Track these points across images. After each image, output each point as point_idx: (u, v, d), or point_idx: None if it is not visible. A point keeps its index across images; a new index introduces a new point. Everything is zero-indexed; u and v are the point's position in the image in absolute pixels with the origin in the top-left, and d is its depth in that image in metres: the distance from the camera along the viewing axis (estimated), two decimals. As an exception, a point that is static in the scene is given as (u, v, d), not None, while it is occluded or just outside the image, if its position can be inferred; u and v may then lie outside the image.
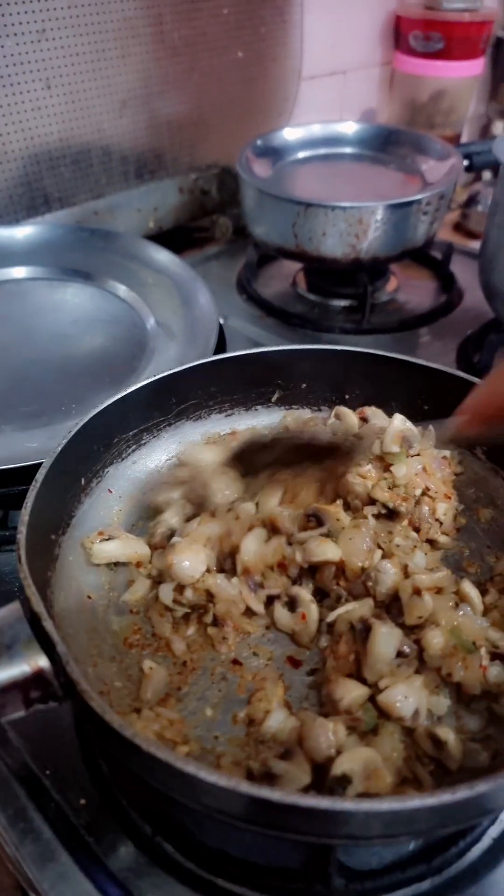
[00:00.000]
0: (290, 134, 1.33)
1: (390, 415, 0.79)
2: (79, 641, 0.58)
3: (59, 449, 0.62)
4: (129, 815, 0.54)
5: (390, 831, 0.39)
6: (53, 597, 0.59)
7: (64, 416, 0.85)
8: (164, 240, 1.43)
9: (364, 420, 0.78)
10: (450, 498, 0.68)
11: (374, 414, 0.78)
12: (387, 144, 1.32)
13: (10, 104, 1.16)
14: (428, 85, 1.85)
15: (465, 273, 1.32)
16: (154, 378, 0.73)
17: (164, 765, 0.38)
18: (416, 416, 0.78)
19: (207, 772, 0.37)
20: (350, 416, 0.77)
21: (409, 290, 1.33)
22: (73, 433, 0.64)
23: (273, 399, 0.84)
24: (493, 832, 0.54)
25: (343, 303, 1.27)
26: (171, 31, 1.31)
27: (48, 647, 0.45)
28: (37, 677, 0.45)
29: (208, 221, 1.53)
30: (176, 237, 1.47)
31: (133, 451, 0.77)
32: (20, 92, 1.16)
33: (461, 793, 0.36)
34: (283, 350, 0.80)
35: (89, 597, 0.63)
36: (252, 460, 0.67)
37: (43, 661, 0.45)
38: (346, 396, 0.83)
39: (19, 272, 1.10)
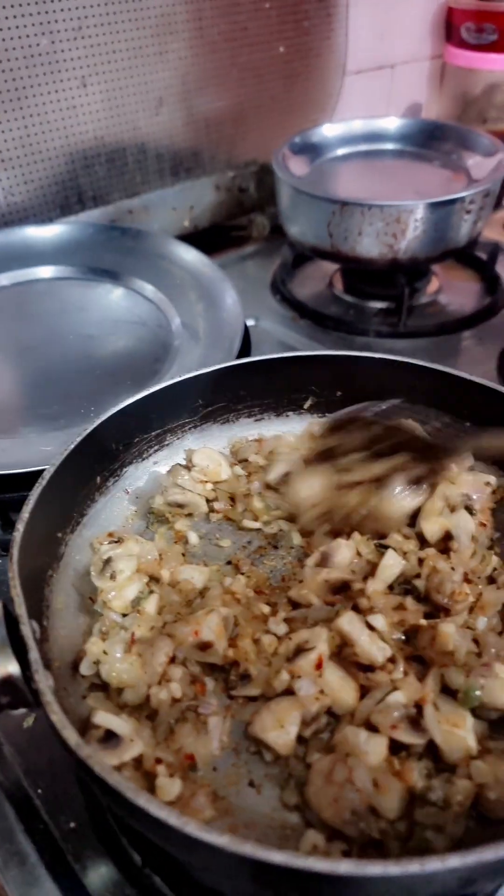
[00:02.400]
0: (329, 130, 1.29)
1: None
2: (74, 643, 0.56)
3: (66, 454, 0.60)
4: (120, 843, 0.52)
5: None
6: (52, 596, 0.58)
7: (82, 419, 0.83)
8: (201, 239, 1.41)
9: None
10: (485, 526, 0.62)
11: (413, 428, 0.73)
12: (431, 140, 1.26)
13: (45, 102, 1.15)
14: (481, 78, 1.77)
15: (512, 275, 1.25)
16: (174, 381, 0.71)
17: (118, 795, 0.36)
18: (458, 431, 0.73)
19: (160, 810, 0.35)
20: None
21: (452, 291, 1.27)
22: (81, 438, 0.62)
23: (305, 406, 0.80)
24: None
25: (380, 305, 1.22)
26: (210, 27, 1.29)
27: (21, 653, 0.43)
28: (5, 682, 0.43)
29: (245, 220, 1.50)
30: (212, 236, 1.45)
31: (155, 451, 0.75)
32: (56, 90, 1.16)
33: (421, 865, 0.32)
34: (318, 355, 0.77)
35: (91, 598, 0.61)
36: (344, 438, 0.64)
37: (13, 667, 0.43)
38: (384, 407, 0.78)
39: (48, 272, 1.09)
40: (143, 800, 0.36)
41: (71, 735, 0.40)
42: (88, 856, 0.51)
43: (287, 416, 0.80)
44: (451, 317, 1.19)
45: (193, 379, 0.71)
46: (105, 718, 0.47)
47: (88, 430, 0.63)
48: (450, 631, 0.51)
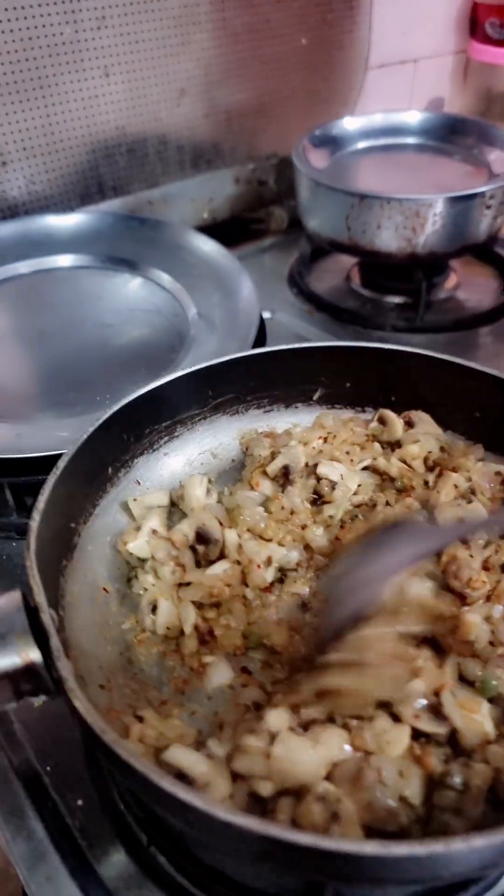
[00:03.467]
0: (350, 124, 1.29)
1: (439, 420, 0.74)
2: (88, 634, 0.56)
3: (81, 441, 0.60)
4: (126, 821, 0.53)
5: (376, 876, 0.35)
6: (67, 586, 0.58)
7: (97, 407, 0.84)
8: (219, 231, 1.41)
9: (409, 425, 0.73)
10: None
11: (421, 419, 0.73)
12: (452, 134, 1.25)
13: (67, 92, 1.16)
14: (505, 74, 1.75)
15: (531, 272, 1.24)
16: (185, 372, 0.71)
17: (142, 777, 0.36)
18: (467, 423, 0.73)
19: (186, 793, 0.35)
20: (395, 422, 0.73)
21: (470, 287, 1.26)
22: (96, 426, 0.63)
23: (315, 397, 0.80)
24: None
25: (397, 299, 1.21)
26: (233, 18, 1.29)
27: (42, 640, 0.43)
28: (27, 670, 0.43)
29: (264, 213, 1.49)
30: (231, 228, 1.45)
31: (165, 442, 0.75)
32: (78, 80, 1.16)
33: (446, 846, 0.32)
34: (328, 346, 0.77)
35: (105, 589, 0.62)
36: None
37: (35, 654, 0.43)
38: (393, 398, 0.77)
39: (67, 260, 1.10)
40: (168, 784, 0.36)
41: (96, 721, 0.39)
42: (95, 833, 0.52)
43: (296, 407, 0.79)
44: (468, 312, 1.18)
45: (203, 370, 0.71)
46: (178, 756, 0.44)
47: (100, 422, 0.63)
48: (476, 621, 0.50)
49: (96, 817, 0.53)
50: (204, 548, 0.60)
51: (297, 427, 0.76)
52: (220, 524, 0.63)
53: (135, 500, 0.67)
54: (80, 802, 0.53)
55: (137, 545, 0.62)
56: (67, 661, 0.43)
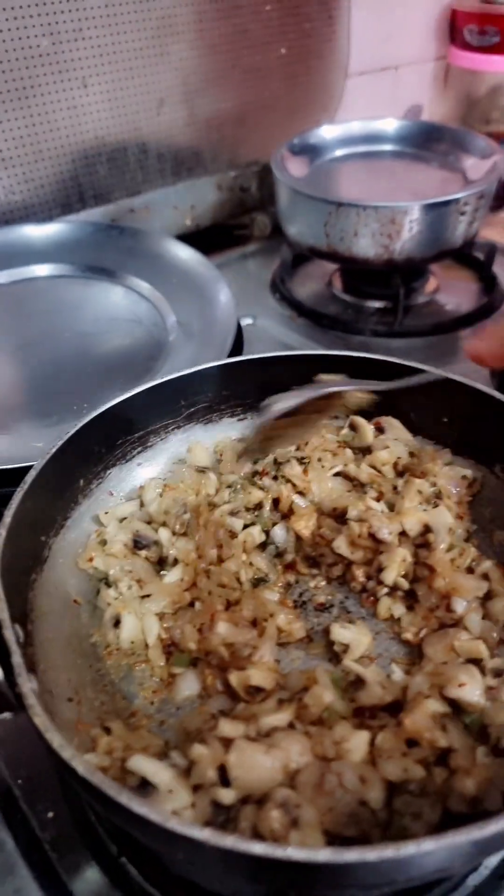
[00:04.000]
0: (328, 131, 1.30)
1: (409, 425, 0.75)
2: (57, 647, 0.56)
3: (48, 456, 0.61)
4: (96, 833, 0.52)
5: (332, 883, 0.35)
6: (36, 600, 0.58)
7: (74, 416, 0.83)
8: (202, 237, 1.42)
9: (380, 430, 0.74)
10: (462, 518, 0.63)
11: (391, 425, 0.74)
12: (429, 141, 1.26)
13: (46, 103, 1.16)
14: (484, 80, 1.77)
15: (510, 275, 1.25)
16: (155, 382, 0.71)
17: (98, 791, 0.36)
18: (435, 428, 0.74)
19: (141, 806, 0.35)
20: (366, 428, 0.73)
21: (450, 291, 1.27)
22: (63, 441, 0.63)
23: None
24: (473, 881, 0.50)
25: (378, 304, 1.22)
26: (211, 29, 1.30)
27: (4, 657, 0.43)
28: None
29: (247, 219, 1.50)
30: (214, 235, 1.46)
31: (138, 452, 0.75)
32: (57, 91, 1.17)
33: (396, 850, 0.32)
34: (297, 355, 0.78)
35: (76, 601, 0.62)
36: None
37: None
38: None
39: (46, 269, 1.10)
40: (125, 798, 0.36)
41: (54, 737, 0.40)
42: (65, 845, 0.52)
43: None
44: (448, 316, 1.19)
45: (175, 380, 0.71)
46: (140, 764, 0.44)
47: (69, 435, 0.63)
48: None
49: (67, 829, 0.53)
50: (147, 552, 0.61)
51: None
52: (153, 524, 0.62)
53: (106, 512, 0.67)
54: (50, 815, 0.53)
55: (97, 562, 0.62)
56: (30, 677, 0.43)
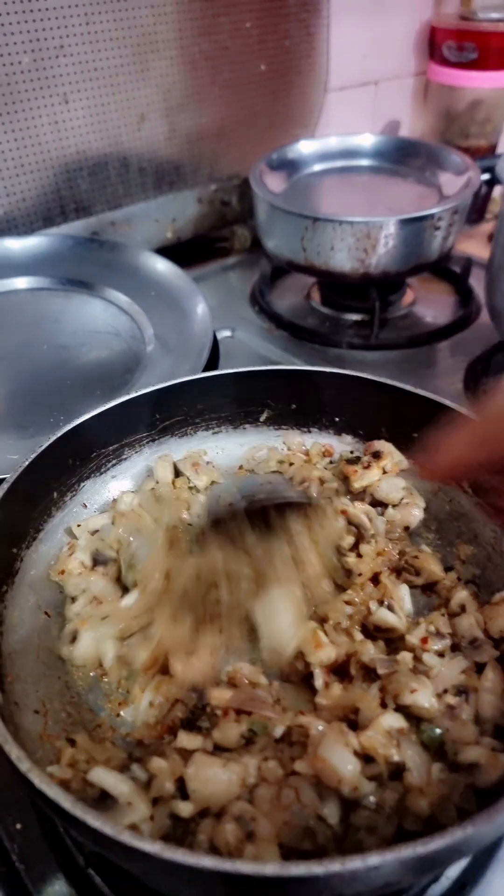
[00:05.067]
0: (305, 147, 1.32)
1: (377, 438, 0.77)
2: (25, 658, 0.57)
3: (19, 471, 0.61)
4: (64, 844, 0.53)
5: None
6: (6, 612, 0.59)
7: (51, 428, 0.83)
8: (183, 250, 1.43)
9: (376, 456, 0.74)
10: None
11: (386, 449, 0.75)
12: (405, 157, 1.29)
13: (26, 118, 1.18)
14: (463, 95, 1.81)
15: (485, 289, 1.27)
16: (131, 396, 0.72)
17: (55, 804, 0.37)
18: (405, 443, 0.75)
19: (95, 819, 0.36)
20: (296, 445, 0.77)
21: (427, 304, 1.29)
22: (38, 452, 0.64)
23: (261, 419, 0.82)
24: (451, 873, 0.51)
25: (355, 317, 1.24)
26: (191, 46, 1.32)
27: None
28: None
29: (228, 232, 1.52)
30: (195, 247, 1.47)
31: (113, 465, 0.76)
32: (38, 107, 1.18)
33: (342, 864, 0.33)
34: (270, 370, 0.79)
35: (47, 613, 0.63)
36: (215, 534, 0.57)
37: None
38: (336, 419, 0.81)
39: (25, 282, 1.11)
40: (79, 811, 0.37)
41: (12, 749, 0.41)
42: (32, 856, 0.52)
43: (244, 428, 0.81)
44: (424, 329, 1.21)
45: (150, 394, 0.73)
46: (100, 776, 0.45)
47: (42, 448, 0.64)
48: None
49: (35, 841, 0.53)
50: (104, 568, 0.61)
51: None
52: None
53: (79, 525, 0.68)
54: (18, 826, 0.54)
55: (63, 578, 0.62)
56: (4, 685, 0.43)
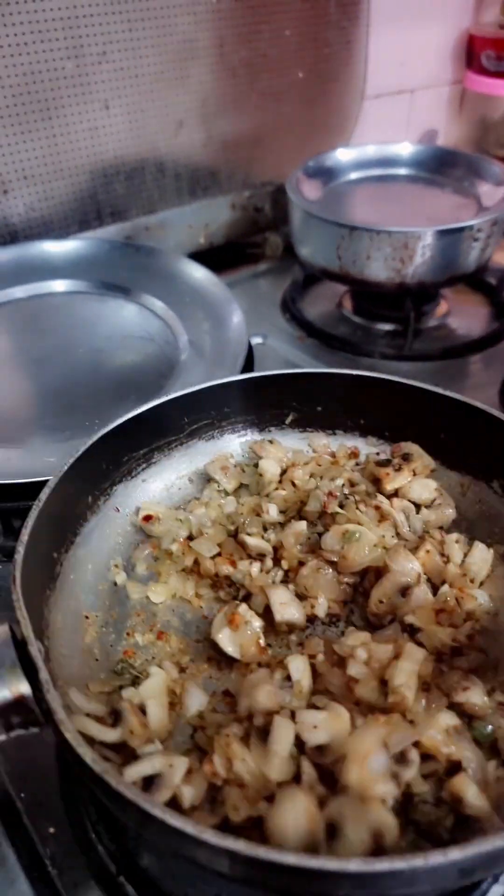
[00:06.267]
0: (343, 155, 1.31)
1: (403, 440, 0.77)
2: (72, 663, 0.57)
3: (63, 471, 0.62)
4: (96, 851, 0.53)
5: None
6: (51, 615, 0.59)
7: (86, 432, 0.84)
8: (215, 256, 1.44)
9: (405, 458, 0.74)
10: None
11: (415, 453, 0.74)
12: (443, 166, 1.28)
13: (68, 123, 1.19)
14: (500, 104, 1.79)
15: (522, 301, 1.26)
16: (163, 400, 0.73)
17: (135, 807, 0.37)
18: (432, 447, 0.75)
19: (176, 819, 0.36)
20: (321, 447, 0.78)
21: (461, 315, 1.28)
22: (77, 456, 0.64)
23: (287, 421, 0.82)
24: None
25: (387, 326, 1.23)
26: (230, 53, 1.32)
27: (31, 673, 0.45)
28: (17, 703, 0.45)
29: (260, 238, 1.52)
30: (227, 253, 1.48)
31: (143, 469, 0.77)
32: (79, 112, 1.20)
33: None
34: (297, 373, 0.79)
35: (86, 616, 0.63)
36: None
37: (25, 687, 0.45)
38: (361, 421, 0.80)
39: (63, 285, 1.12)
40: (159, 811, 0.38)
41: (86, 752, 0.41)
42: (65, 861, 0.53)
43: (269, 430, 0.82)
44: (458, 341, 1.20)
45: (178, 399, 0.73)
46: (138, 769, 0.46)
47: (80, 453, 0.64)
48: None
49: (67, 846, 0.53)
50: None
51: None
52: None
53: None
54: (51, 830, 0.54)
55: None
56: (56, 693, 0.44)
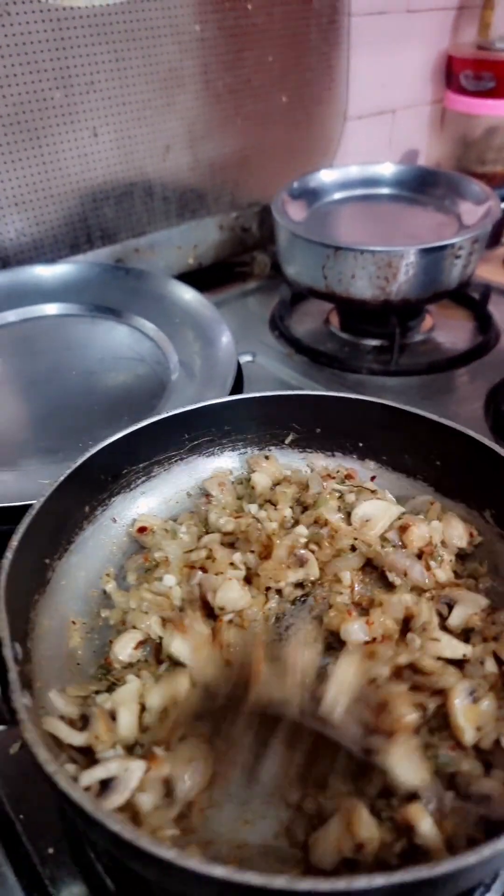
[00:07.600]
0: (326, 176, 1.35)
1: (402, 466, 0.78)
2: (54, 665, 0.59)
3: (52, 490, 0.64)
4: (94, 869, 0.54)
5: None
6: (37, 619, 0.61)
7: (79, 453, 0.87)
8: (204, 275, 1.47)
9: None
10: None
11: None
12: (425, 185, 1.31)
13: (57, 151, 1.22)
14: (480, 123, 1.84)
15: (504, 315, 1.29)
16: (162, 416, 0.75)
17: (79, 809, 0.38)
18: (427, 471, 0.77)
19: (130, 832, 0.37)
20: (320, 468, 0.79)
21: (446, 329, 1.31)
22: (74, 468, 0.67)
23: (287, 441, 0.84)
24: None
25: (374, 342, 1.26)
26: (215, 80, 1.36)
27: (1, 673, 0.46)
28: None
29: (248, 258, 1.55)
30: (215, 273, 1.51)
31: (142, 482, 0.78)
32: (68, 140, 1.22)
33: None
34: (298, 395, 0.81)
35: (73, 622, 0.64)
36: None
37: None
38: (360, 444, 0.82)
39: (54, 308, 1.14)
40: (109, 820, 0.39)
41: (41, 752, 0.42)
42: (64, 881, 0.53)
43: (269, 450, 0.83)
44: (443, 355, 1.22)
45: (179, 415, 0.75)
46: (93, 773, 0.47)
47: (76, 465, 0.66)
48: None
49: (66, 865, 0.54)
50: None
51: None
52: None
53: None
54: (50, 851, 0.55)
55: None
56: (24, 693, 0.46)
